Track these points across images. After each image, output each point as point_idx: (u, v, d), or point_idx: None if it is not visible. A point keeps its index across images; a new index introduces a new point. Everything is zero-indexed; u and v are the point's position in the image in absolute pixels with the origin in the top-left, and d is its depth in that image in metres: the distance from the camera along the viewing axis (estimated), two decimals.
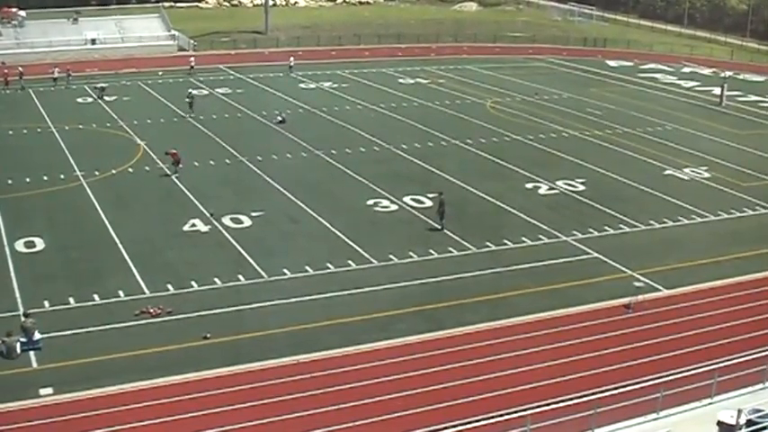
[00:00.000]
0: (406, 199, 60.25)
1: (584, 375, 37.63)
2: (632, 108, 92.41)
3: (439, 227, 54.94)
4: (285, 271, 48.15)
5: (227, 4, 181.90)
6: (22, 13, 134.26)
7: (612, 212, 58.56)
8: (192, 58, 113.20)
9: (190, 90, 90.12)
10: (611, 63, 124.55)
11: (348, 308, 44.03)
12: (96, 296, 44.77)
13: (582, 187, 63.77)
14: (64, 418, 34.17)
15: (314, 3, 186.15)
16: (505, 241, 53.11)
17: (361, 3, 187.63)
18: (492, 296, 45.67)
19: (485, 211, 59.00)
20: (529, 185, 64.23)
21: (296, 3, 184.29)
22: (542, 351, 39.83)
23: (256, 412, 34.57)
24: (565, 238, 53.93)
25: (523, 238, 53.70)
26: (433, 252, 51.16)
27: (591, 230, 55.30)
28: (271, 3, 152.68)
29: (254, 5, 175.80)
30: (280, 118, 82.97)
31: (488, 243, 52.71)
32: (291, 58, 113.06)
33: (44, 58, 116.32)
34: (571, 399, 35.33)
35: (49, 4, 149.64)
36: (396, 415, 34.51)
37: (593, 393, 35.48)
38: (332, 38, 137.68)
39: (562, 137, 79.23)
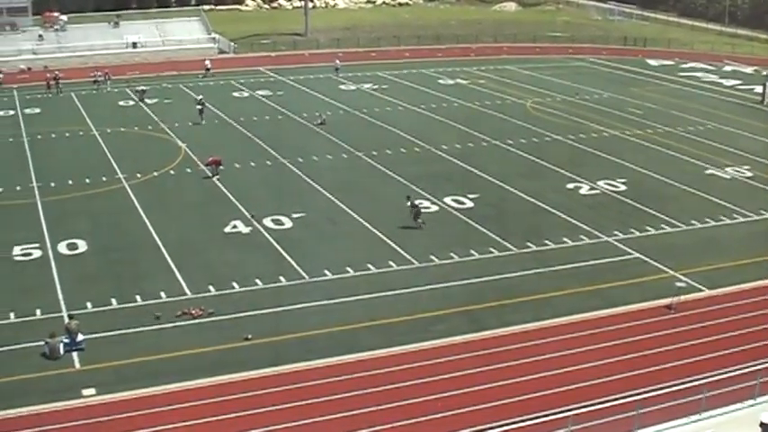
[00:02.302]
0: (447, 199, 60.11)
1: (626, 376, 37.33)
2: (673, 107, 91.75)
3: (416, 226, 55.03)
4: (326, 272, 48.16)
5: (267, 7, 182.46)
6: (64, 17, 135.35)
7: (654, 212, 58.15)
8: (208, 61, 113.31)
9: (200, 96, 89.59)
10: (652, 62, 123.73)
11: (389, 309, 43.96)
12: (138, 297, 44.98)
13: (623, 187, 63.35)
14: (106, 418, 34.32)
15: (353, 4, 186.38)
16: (546, 241, 52.87)
17: (400, 4, 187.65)
18: (534, 297, 45.46)
19: (525, 212, 58.76)
20: (570, 185, 63.91)
21: (335, 5, 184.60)
22: (585, 352, 39.58)
23: (298, 413, 34.54)
24: (606, 239, 53.60)
25: (565, 239, 53.44)
26: (474, 252, 51.01)
27: (632, 230, 54.92)
28: (310, 5, 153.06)
29: (293, 8, 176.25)
30: (320, 120, 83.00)
31: (529, 243, 52.50)
32: (337, 61, 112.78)
33: (85, 62, 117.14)
34: (614, 399, 35.10)
35: (90, 8, 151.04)
36: (438, 416, 34.39)
37: (635, 394, 35.21)
38: (372, 39, 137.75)
39: (603, 136, 78.79)
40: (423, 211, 56.47)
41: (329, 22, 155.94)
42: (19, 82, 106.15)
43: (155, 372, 37.70)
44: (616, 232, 54.44)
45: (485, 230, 54.60)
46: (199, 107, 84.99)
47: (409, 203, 55.66)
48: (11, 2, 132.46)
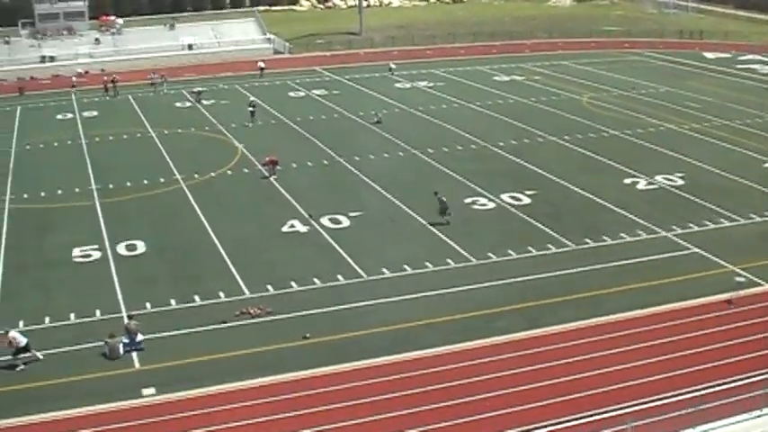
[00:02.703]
0: (504, 196, 59.81)
1: (686, 372, 36.85)
2: (730, 100, 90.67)
3: (445, 222, 54.97)
4: (384, 270, 48.06)
5: (322, 7, 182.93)
6: (120, 21, 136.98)
7: (712, 206, 57.40)
8: (262, 62, 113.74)
9: (252, 99, 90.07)
10: (708, 55, 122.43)
11: (447, 306, 43.75)
12: (197, 297, 45.19)
13: (681, 181, 62.66)
14: (166, 417, 34.49)
15: (408, 3, 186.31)
16: (604, 237, 52.41)
17: (454, 1, 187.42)
18: (592, 293, 45.02)
19: (583, 207, 58.32)
20: (627, 180, 63.33)
21: (390, 3, 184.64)
22: (644, 348, 39.12)
23: (357, 411, 34.49)
24: (664, 234, 53.01)
25: (622, 234, 52.91)
26: (531, 249, 50.69)
27: (690, 225, 54.26)
28: (365, 4, 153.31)
29: (348, 7, 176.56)
30: (376, 118, 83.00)
31: (587, 239, 52.08)
32: (391, 63, 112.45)
33: (142, 65, 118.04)
34: (673, 396, 34.68)
35: (146, 11, 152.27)
36: (496, 413, 34.17)
37: (695, 390, 34.74)
38: (426, 37, 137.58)
39: (660, 131, 78.03)
40: (478, 208, 56.28)
41: (383, 20, 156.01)
42: (77, 85, 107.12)
43: (214, 371, 37.80)
44: (674, 227, 53.83)
45: (542, 227, 54.25)
46: (251, 109, 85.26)
47: (438, 200, 55.56)
48: (68, 6, 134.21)
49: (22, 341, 38.95)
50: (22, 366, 38.71)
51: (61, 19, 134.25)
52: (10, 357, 38.85)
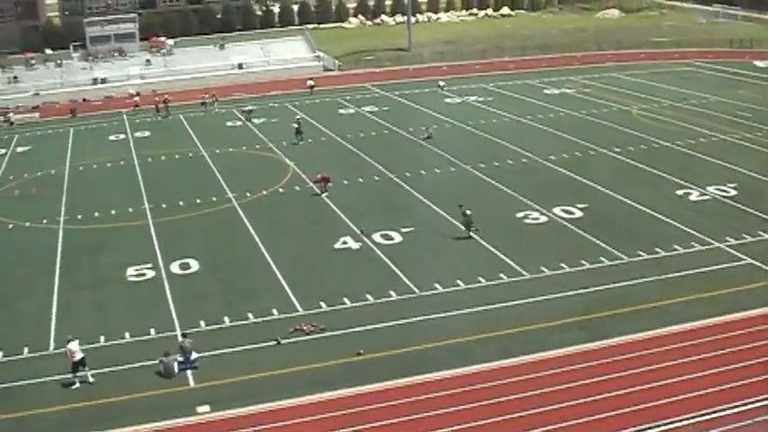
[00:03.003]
0: (556, 210, 59.49)
1: (746, 383, 36.44)
2: None
3: (467, 235, 55.02)
4: (437, 285, 47.93)
5: (370, 23, 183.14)
6: (170, 41, 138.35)
7: (766, 216, 56.78)
8: (311, 81, 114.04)
9: (298, 116, 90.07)
10: (759, 63, 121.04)
11: (501, 321, 43.52)
12: (251, 315, 45.33)
13: (734, 192, 61.98)
14: None
15: (456, 17, 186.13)
16: (657, 249, 51.92)
17: (503, 15, 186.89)
18: (646, 305, 44.59)
19: (635, 220, 57.85)
20: (679, 192, 62.76)
21: (438, 18, 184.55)
22: (704, 359, 38.75)
23: (415, 426, 34.47)
24: (718, 245, 52.41)
25: (676, 246, 52.40)
26: (584, 262, 50.36)
27: (744, 236, 53.58)
28: (413, 20, 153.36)
29: (396, 23, 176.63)
30: (427, 133, 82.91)
31: (640, 252, 51.62)
32: (440, 80, 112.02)
33: (192, 85, 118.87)
34: (734, 407, 34.30)
35: (196, 31, 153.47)
36: (554, 426, 33.99)
37: (758, 401, 34.40)
38: (475, 52, 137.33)
39: (712, 141, 77.30)
40: (530, 222, 56.17)
41: (432, 35, 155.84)
42: (128, 106, 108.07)
43: (268, 388, 37.85)
44: (728, 238, 53.22)
45: (595, 240, 53.90)
46: (296, 126, 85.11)
47: (462, 213, 55.70)
48: (119, 28, 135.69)
49: (78, 355, 39.24)
50: (78, 384, 38.99)
51: (112, 41, 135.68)
52: (70, 376, 39.17)
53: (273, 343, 42.02)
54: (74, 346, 39.51)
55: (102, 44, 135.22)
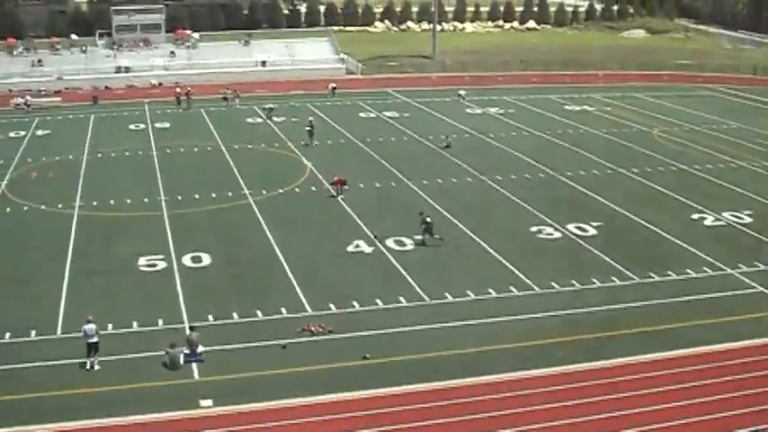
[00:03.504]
0: (570, 226, 59.41)
1: (750, 411, 36.37)
2: None
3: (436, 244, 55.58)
4: (446, 295, 47.91)
5: (396, 29, 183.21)
6: (196, 35, 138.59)
7: None
8: (333, 84, 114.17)
9: (311, 118, 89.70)
10: None
11: (508, 334, 43.44)
12: (259, 312, 45.39)
13: (748, 219, 61.80)
14: (221, 430, 34.70)
15: (481, 28, 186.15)
16: (669, 272, 51.79)
17: (528, 29, 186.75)
18: (655, 327, 44.46)
19: (649, 241, 57.72)
20: (694, 216, 62.59)
21: (463, 28, 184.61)
22: (707, 385, 38.65)
23: None
24: (730, 271, 52.26)
25: (688, 270, 52.22)
26: (595, 281, 50.29)
27: (757, 264, 53.42)
28: (439, 28, 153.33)
29: (422, 30, 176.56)
30: (445, 142, 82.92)
31: (652, 273, 51.52)
32: (461, 90, 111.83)
33: (215, 79, 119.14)
34: None
35: (222, 27, 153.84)
36: None
37: (761, 430, 34.32)
38: (499, 63, 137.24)
39: (730, 167, 77.06)
40: (543, 237, 56.26)
41: (457, 45, 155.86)
42: (150, 96, 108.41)
43: (272, 386, 37.92)
44: (740, 265, 53.04)
45: (607, 259, 53.79)
46: (308, 129, 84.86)
47: (422, 218, 56.40)
48: (146, 19, 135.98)
49: (91, 338, 39.45)
50: (90, 367, 39.41)
51: (138, 31, 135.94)
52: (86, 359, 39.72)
53: (278, 341, 42.08)
54: (88, 327, 39.78)
55: (128, 33, 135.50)
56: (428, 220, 56.06)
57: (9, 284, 49.78)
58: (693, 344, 42.58)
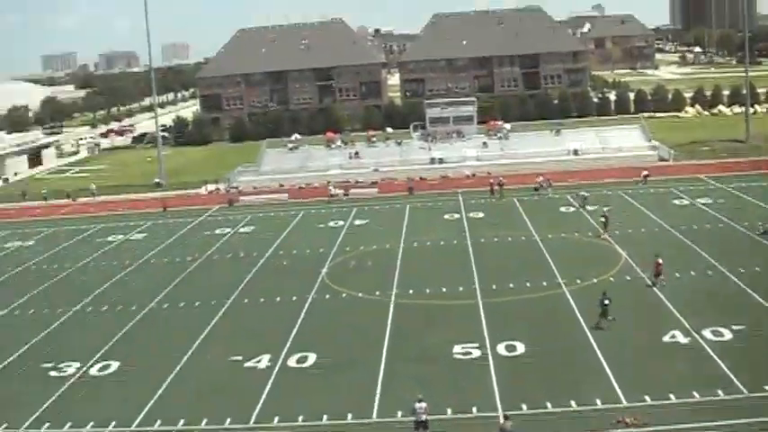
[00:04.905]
0: None
1: None
2: None
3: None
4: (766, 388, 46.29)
5: (707, 113, 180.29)
6: (507, 125, 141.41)
7: None
8: (645, 171, 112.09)
9: (605, 209, 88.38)
10: None
11: None
12: (573, 402, 45.36)
13: None
14: None
15: None
16: None
17: None
18: None
19: None
20: None
21: None
22: None
23: None
24: None
25: None
26: None
27: None
28: (751, 110, 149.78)
29: (733, 113, 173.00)
30: (762, 228, 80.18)
31: None
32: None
33: (527, 169, 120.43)
34: None
35: (532, 117, 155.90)
36: None
37: None
38: None
39: None
40: None
41: None
42: (463, 186, 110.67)
43: None
44: None
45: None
46: (602, 219, 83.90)
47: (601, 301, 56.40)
48: (458, 111, 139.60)
49: (420, 416, 41.82)
50: None
51: (450, 123, 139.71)
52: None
53: None
54: (420, 407, 41.76)
55: (441, 125, 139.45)
56: (606, 302, 55.98)
57: (327, 369, 52.10)
58: None
